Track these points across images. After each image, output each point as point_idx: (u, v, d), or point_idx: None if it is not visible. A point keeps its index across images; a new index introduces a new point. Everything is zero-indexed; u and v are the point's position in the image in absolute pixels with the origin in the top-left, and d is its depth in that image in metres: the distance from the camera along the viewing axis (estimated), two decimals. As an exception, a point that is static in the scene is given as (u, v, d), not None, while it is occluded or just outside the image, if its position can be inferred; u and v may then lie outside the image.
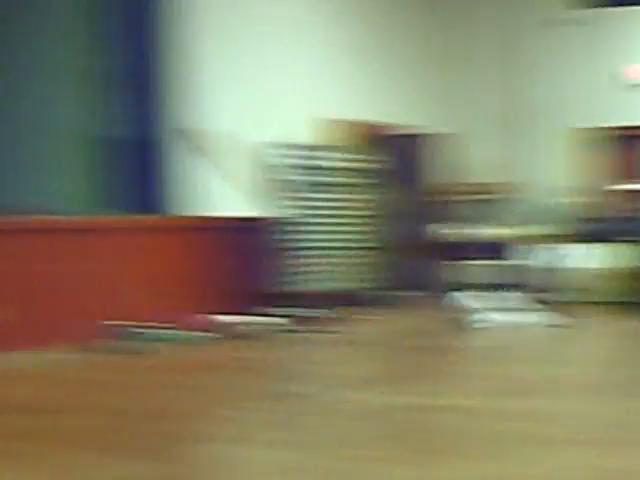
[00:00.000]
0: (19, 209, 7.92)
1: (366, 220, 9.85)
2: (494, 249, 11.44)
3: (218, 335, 8.10)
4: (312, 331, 8.53)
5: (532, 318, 8.90)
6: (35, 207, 8.94)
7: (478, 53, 13.49)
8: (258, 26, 10.24)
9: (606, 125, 12.80)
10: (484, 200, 13.20)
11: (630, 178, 11.58)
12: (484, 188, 13.11)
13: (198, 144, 9.26)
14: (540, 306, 9.87)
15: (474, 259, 9.67)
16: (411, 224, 12.66)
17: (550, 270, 11.25)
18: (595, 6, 12.80)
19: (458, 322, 9.24)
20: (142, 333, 7.59)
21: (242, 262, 9.17)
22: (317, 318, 8.74)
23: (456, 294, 9.49)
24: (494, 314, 8.98)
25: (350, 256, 9.69)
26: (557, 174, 13.01)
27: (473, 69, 13.52)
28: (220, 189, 9.50)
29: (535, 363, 7.86)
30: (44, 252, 7.44)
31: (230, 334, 8.13)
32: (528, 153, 13.14)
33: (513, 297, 9.60)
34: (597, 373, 7.30)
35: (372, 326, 9.49)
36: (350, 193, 9.70)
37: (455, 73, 13.54)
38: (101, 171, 10.26)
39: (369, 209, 9.95)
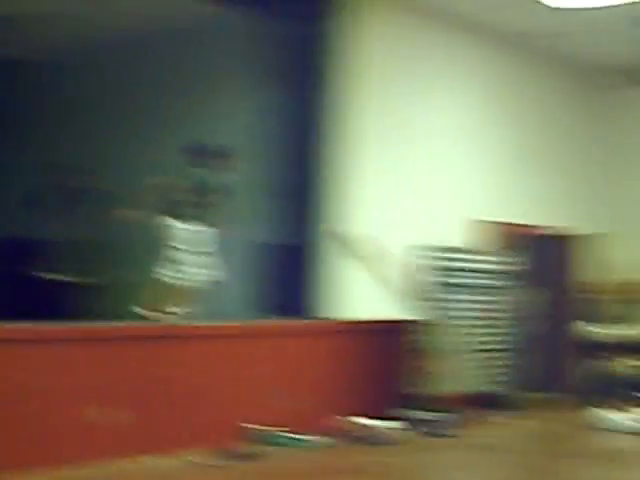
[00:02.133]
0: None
1: (504, 322, 9.92)
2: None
3: (350, 439, 8.23)
4: (439, 435, 8.59)
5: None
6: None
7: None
8: (411, 130, 10.62)
9: None
10: (630, 299, 12.97)
11: None
12: (631, 287, 12.90)
13: (348, 247, 9.76)
14: None
15: (619, 359, 9.53)
16: (552, 324, 12.65)
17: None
18: None
19: (591, 425, 9.20)
20: (271, 437, 7.84)
21: (381, 364, 9.30)
22: (447, 421, 8.76)
23: (593, 397, 9.38)
24: (629, 418, 8.87)
25: (485, 358, 9.70)
26: None
27: (625, 170, 13.55)
28: (367, 291, 9.79)
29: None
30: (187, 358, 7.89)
31: (361, 438, 8.23)
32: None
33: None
34: None
35: (504, 429, 9.45)
36: (490, 294, 9.80)
37: (607, 175, 13.52)
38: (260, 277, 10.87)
39: (508, 310, 10.01)
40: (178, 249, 8.04)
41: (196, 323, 8.16)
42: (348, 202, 9.78)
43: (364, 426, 8.41)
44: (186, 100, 10.90)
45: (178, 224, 8.10)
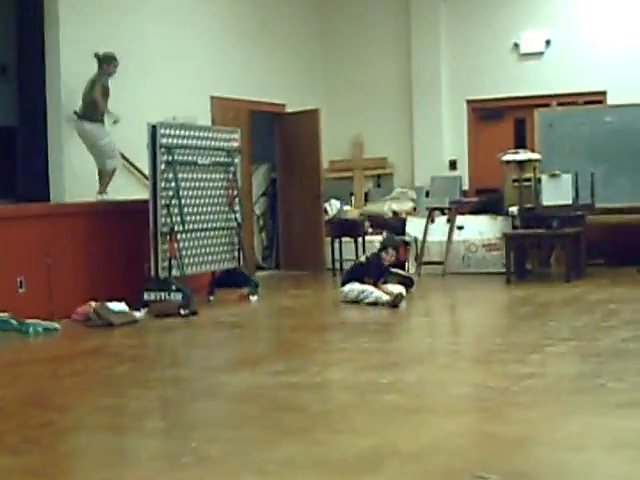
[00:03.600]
0: None
1: (235, 200, 9.49)
2: (382, 225, 11.49)
3: (91, 322, 7.93)
4: (184, 315, 8.35)
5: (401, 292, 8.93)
6: None
7: (369, 28, 13.38)
8: (136, 3, 10.09)
9: (499, 95, 12.70)
10: (377, 175, 13.23)
11: (520, 148, 11.73)
12: (377, 164, 13.12)
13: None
14: (412, 280, 9.84)
15: (363, 235, 9.52)
16: (296, 202, 12.56)
17: (441, 242, 11.34)
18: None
19: (336, 300, 9.23)
20: (9, 324, 7.37)
21: (123, 246, 8.86)
22: (187, 302, 8.45)
23: (337, 273, 9.36)
24: (373, 291, 8.94)
25: (220, 237, 9.33)
26: (451, 146, 13.15)
27: (361, 44, 13.45)
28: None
29: (407, 335, 7.98)
30: None
31: (102, 321, 7.92)
32: (423, 126, 13.17)
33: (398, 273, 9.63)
34: (473, 342, 7.37)
35: (246, 307, 9.36)
36: (219, 172, 9.33)
37: (342, 49, 13.53)
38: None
39: (238, 188, 9.60)
40: None
41: None
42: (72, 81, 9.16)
43: (105, 309, 8.09)
44: None
45: None
